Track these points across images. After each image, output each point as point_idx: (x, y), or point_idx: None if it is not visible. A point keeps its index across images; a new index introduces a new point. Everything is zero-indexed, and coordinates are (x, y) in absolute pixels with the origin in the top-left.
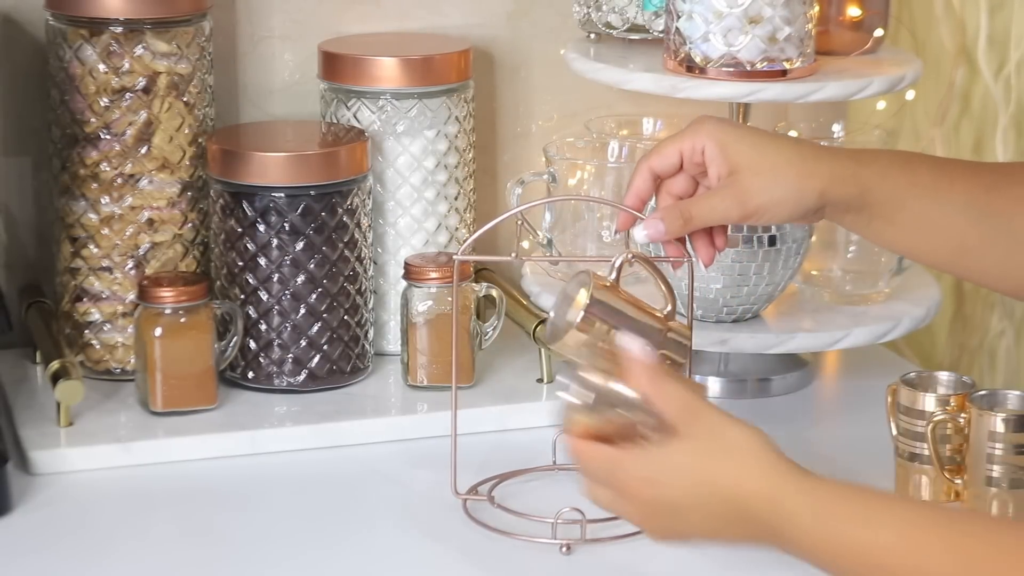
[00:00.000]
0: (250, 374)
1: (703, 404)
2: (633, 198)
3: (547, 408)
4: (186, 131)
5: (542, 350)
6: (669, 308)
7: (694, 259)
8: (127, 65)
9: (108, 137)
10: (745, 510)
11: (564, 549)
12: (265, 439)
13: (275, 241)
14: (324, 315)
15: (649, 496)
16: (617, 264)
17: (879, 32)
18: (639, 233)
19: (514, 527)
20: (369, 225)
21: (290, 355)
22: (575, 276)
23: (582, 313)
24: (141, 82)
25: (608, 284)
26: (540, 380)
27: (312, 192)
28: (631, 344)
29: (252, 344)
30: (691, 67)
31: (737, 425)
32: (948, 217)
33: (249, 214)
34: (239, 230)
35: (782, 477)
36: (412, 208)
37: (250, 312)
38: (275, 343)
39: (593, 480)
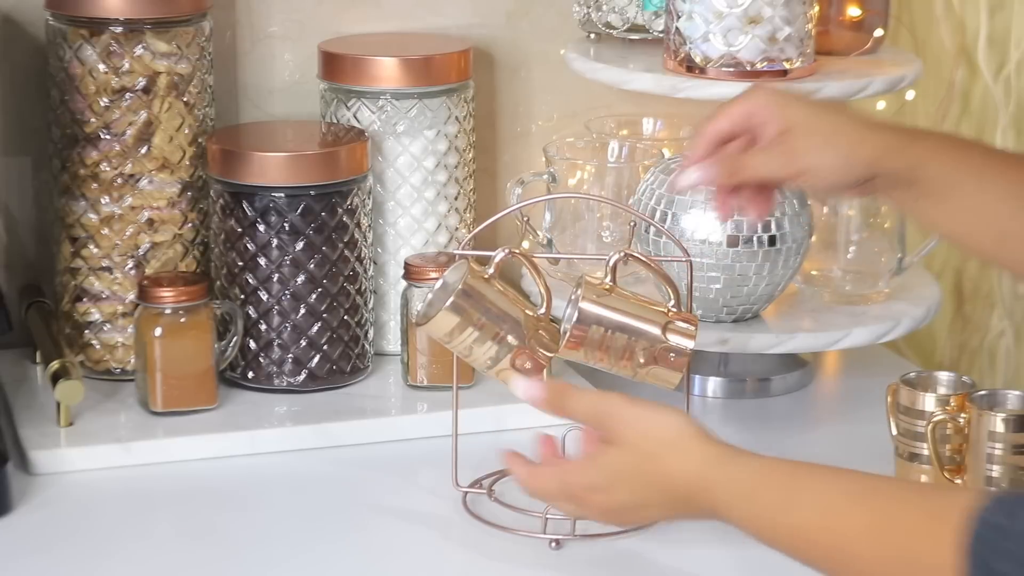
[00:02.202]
0: (250, 374)
1: (615, 406)
2: (698, 155)
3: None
4: (186, 131)
5: None
6: (674, 303)
7: (692, 259)
8: (127, 65)
9: (108, 137)
10: (688, 497)
11: (553, 544)
12: (265, 439)
13: (275, 241)
14: (324, 315)
15: (601, 502)
16: (612, 263)
17: (879, 32)
18: (690, 176)
19: (511, 522)
20: (369, 225)
21: (290, 355)
22: (455, 265)
23: (452, 299)
24: (141, 82)
25: (485, 276)
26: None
27: (312, 192)
28: (518, 386)
29: (252, 344)
30: (691, 67)
31: (659, 417)
32: (993, 203)
33: (249, 214)
34: (239, 230)
35: (709, 466)
36: (412, 208)
37: (250, 312)
38: (275, 343)
39: (549, 498)
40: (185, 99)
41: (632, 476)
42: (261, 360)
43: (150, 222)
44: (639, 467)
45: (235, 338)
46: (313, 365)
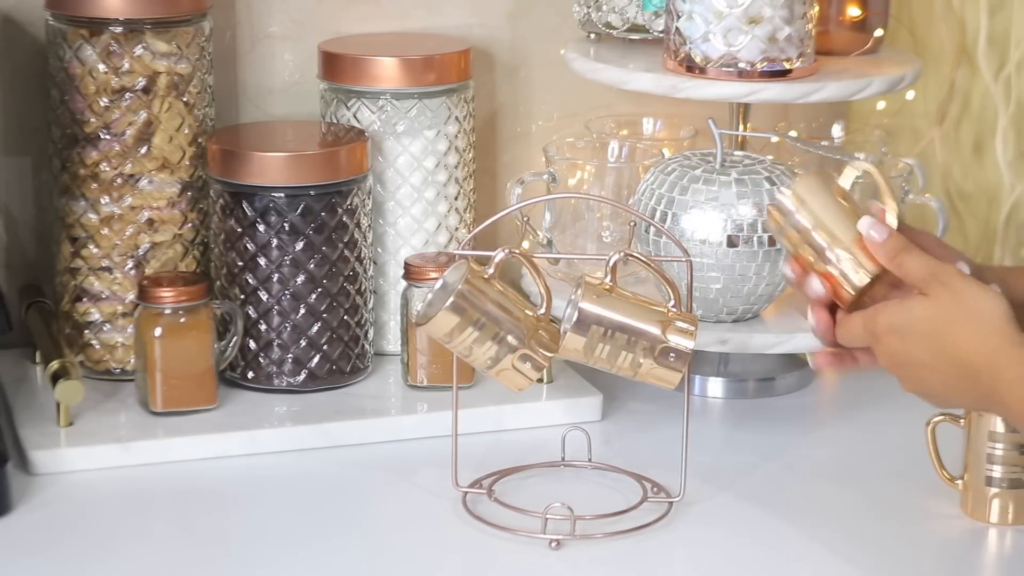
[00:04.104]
0: (250, 374)
1: (946, 270)
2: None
3: (547, 408)
4: (186, 131)
5: None
6: (674, 303)
7: (692, 259)
8: (127, 65)
9: (108, 137)
10: (975, 374)
11: (553, 544)
12: (265, 439)
13: (275, 241)
14: (324, 315)
15: (894, 345)
16: (612, 263)
17: (879, 32)
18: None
19: (511, 522)
20: (369, 225)
21: (290, 355)
22: (455, 265)
23: (452, 299)
24: (141, 82)
25: (485, 276)
26: (540, 380)
27: (312, 192)
28: (864, 222)
29: (252, 344)
30: (691, 67)
31: (980, 292)
32: None
33: (249, 214)
34: (239, 230)
35: (1011, 346)
36: (412, 208)
37: (250, 312)
38: (275, 343)
39: (852, 337)
40: (185, 99)
41: (929, 332)
42: (261, 360)
43: (150, 222)
44: (939, 327)
45: (235, 338)
46: (313, 365)
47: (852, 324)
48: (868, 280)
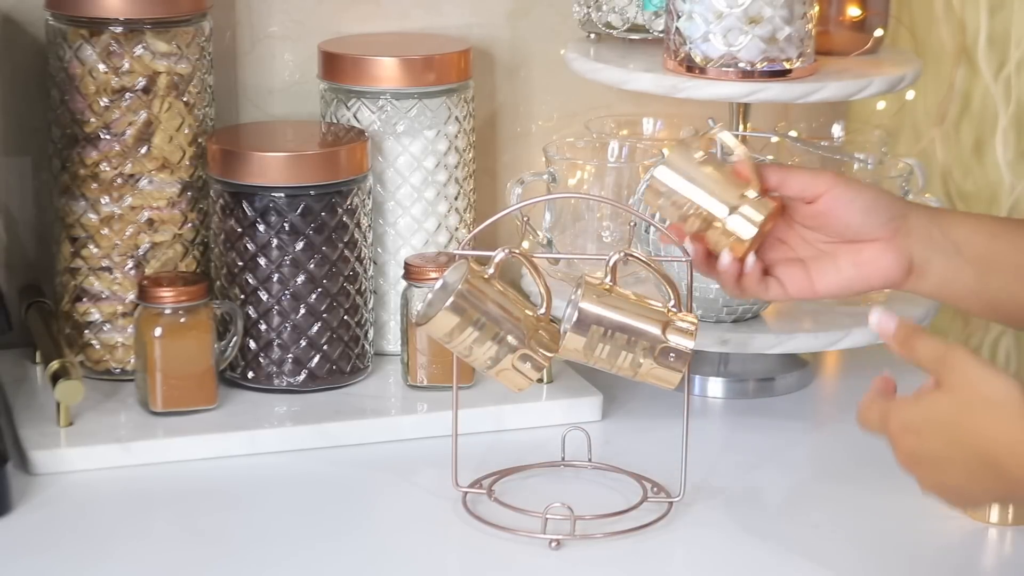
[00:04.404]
0: (250, 374)
1: (958, 354)
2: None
3: (547, 408)
4: (186, 131)
5: None
6: (674, 303)
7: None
8: (127, 65)
9: (108, 137)
10: (996, 464)
11: (553, 544)
12: (265, 439)
13: (275, 241)
14: (324, 315)
15: (910, 444)
16: (612, 263)
17: (879, 32)
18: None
19: (511, 522)
20: (369, 225)
21: (290, 355)
22: (455, 265)
23: (452, 299)
24: (141, 82)
25: (485, 276)
26: (540, 380)
27: (312, 192)
28: (874, 315)
29: (252, 344)
30: (691, 67)
31: (994, 377)
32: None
33: (249, 214)
34: (239, 230)
35: None
36: (412, 208)
37: (250, 312)
38: (275, 343)
39: (871, 429)
40: (185, 99)
41: (945, 425)
42: (261, 360)
43: (150, 222)
44: (955, 417)
45: (235, 338)
46: (313, 365)
47: (869, 416)
48: (756, 231)
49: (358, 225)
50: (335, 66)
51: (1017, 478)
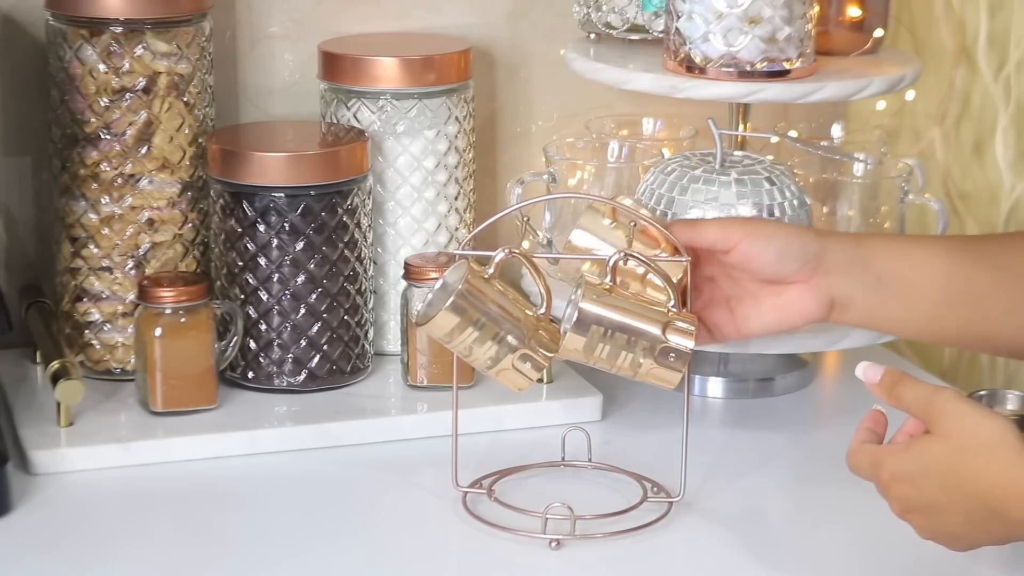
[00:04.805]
0: (250, 374)
1: (946, 398)
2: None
3: (547, 408)
4: (186, 131)
5: None
6: (672, 302)
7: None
8: (127, 65)
9: (108, 137)
10: (997, 507)
11: (553, 544)
12: (265, 439)
13: (275, 241)
14: (324, 315)
15: (904, 493)
16: (612, 263)
17: (879, 32)
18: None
19: (511, 522)
20: (369, 225)
21: (290, 355)
22: (455, 265)
23: (452, 299)
24: (141, 82)
25: (485, 276)
26: (540, 380)
27: (312, 192)
28: (861, 366)
29: (252, 344)
30: (691, 67)
31: (985, 419)
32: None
33: (249, 214)
34: (239, 230)
35: None
36: (412, 208)
37: (250, 312)
38: (275, 343)
39: (862, 476)
40: (185, 99)
41: (941, 472)
42: (261, 360)
43: (150, 222)
44: (951, 463)
45: (235, 338)
46: (313, 365)
47: (859, 462)
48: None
49: (358, 225)
50: (335, 66)
51: (1019, 520)
